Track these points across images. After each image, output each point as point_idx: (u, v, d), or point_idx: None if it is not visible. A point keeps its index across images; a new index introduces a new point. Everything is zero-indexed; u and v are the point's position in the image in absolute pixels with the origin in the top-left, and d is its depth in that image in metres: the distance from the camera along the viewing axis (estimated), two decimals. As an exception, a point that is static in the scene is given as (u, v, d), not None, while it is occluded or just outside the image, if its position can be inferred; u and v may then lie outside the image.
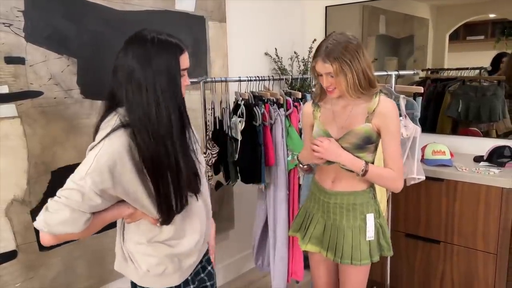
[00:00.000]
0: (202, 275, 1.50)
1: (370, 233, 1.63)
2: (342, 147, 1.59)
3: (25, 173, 1.88)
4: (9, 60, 1.80)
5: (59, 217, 1.12)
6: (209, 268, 1.55)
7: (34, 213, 1.91)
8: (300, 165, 1.77)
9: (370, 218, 1.64)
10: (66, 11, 1.95)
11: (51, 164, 1.96)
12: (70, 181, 1.14)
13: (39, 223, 1.14)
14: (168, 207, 1.24)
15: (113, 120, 1.20)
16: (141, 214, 1.29)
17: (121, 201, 1.25)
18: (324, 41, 1.54)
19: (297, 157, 1.78)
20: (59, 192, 1.15)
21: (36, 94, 1.89)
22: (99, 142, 1.16)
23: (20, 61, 1.83)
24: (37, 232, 1.90)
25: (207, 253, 1.54)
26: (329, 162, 1.65)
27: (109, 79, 1.24)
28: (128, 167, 1.17)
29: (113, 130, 1.17)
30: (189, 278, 1.43)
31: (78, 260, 2.10)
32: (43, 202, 1.92)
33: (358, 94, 1.53)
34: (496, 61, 2.64)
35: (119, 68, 1.19)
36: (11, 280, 1.87)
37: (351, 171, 1.62)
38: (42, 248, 1.96)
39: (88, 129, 2.08)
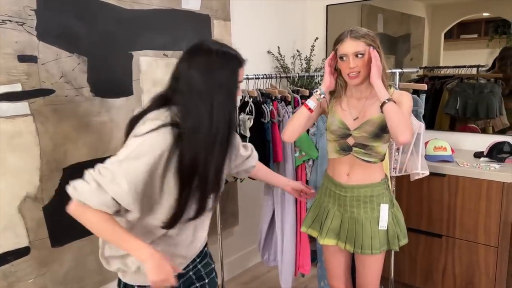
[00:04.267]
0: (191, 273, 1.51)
1: (383, 223, 1.69)
2: (358, 137, 1.66)
3: (38, 170, 1.90)
4: (22, 58, 1.82)
5: (85, 186, 1.14)
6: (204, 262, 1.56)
7: (47, 210, 1.93)
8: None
9: (384, 208, 1.69)
10: (77, 10, 1.97)
11: (62, 161, 1.98)
12: (109, 161, 1.16)
13: (69, 186, 1.17)
14: (179, 213, 1.26)
15: (164, 115, 1.22)
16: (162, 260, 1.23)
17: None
18: (344, 31, 1.61)
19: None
20: (97, 166, 1.17)
21: (48, 92, 1.91)
22: (147, 133, 1.17)
23: (32, 59, 1.85)
24: (49, 228, 1.95)
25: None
26: (344, 153, 1.70)
27: (168, 83, 1.28)
28: (163, 163, 1.19)
29: (164, 125, 1.18)
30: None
31: (89, 256, 2.12)
32: (55, 199, 1.96)
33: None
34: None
35: (181, 76, 1.22)
36: (24, 276, 1.89)
37: (365, 160, 1.67)
38: (54, 244, 1.98)
39: (99, 126, 2.10)
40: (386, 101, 1.54)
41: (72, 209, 1.17)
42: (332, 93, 1.76)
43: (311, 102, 1.69)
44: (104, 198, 1.14)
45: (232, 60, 1.23)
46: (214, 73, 1.19)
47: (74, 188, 1.15)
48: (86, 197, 1.14)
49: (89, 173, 1.16)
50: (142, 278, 1.33)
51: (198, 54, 1.21)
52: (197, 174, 1.22)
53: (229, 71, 1.21)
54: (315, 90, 1.71)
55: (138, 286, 1.38)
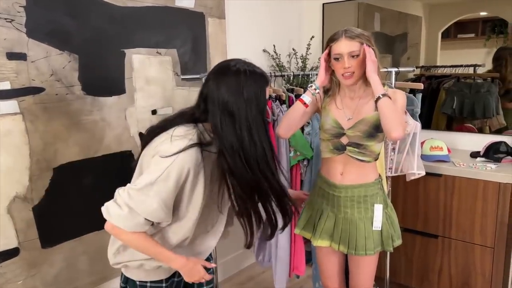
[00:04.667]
0: None
1: (377, 223, 1.67)
2: (352, 136, 1.64)
3: (27, 170, 1.87)
4: (11, 56, 1.79)
5: (118, 211, 1.20)
6: None
7: (36, 210, 1.90)
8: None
9: (378, 208, 1.67)
10: (67, 7, 1.94)
11: (53, 161, 1.95)
12: (139, 182, 1.21)
13: (103, 208, 1.22)
14: (273, 227, 1.39)
15: (191, 133, 1.25)
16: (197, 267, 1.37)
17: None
18: (338, 30, 1.59)
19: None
20: (129, 188, 1.22)
21: (38, 90, 1.88)
22: (175, 153, 1.20)
23: (21, 57, 1.82)
24: (39, 229, 1.92)
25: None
26: (338, 152, 1.68)
27: (196, 103, 1.32)
28: (190, 181, 1.24)
29: (191, 146, 1.22)
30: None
31: (80, 256, 2.09)
32: (45, 199, 1.93)
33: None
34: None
35: (212, 98, 1.25)
36: (13, 277, 1.86)
37: (359, 160, 1.65)
38: (44, 245, 1.95)
39: (90, 125, 2.07)
40: (381, 96, 1.52)
41: (108, 229, 1.24)
42: (326, 91, 1.74)
43: (306, 97, 1.67)
44: (137, 221, 1.20)
45: (259, 79, 1.27)
46: (244, 92, 1.22)
47: (108, 212, 1.21)
48: (120, 222, 1.20)
49: (120, 196, 1.21)
50: (143, 274, 1.39)
51: (227, 75, 1.25)
52: (268, 191, 1.30)
53: (257, 89, 1.25)
54: (309, 85, 1.69)
55: (140, 281, 1.40)
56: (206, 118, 1.27)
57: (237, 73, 1.24)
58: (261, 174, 1.26)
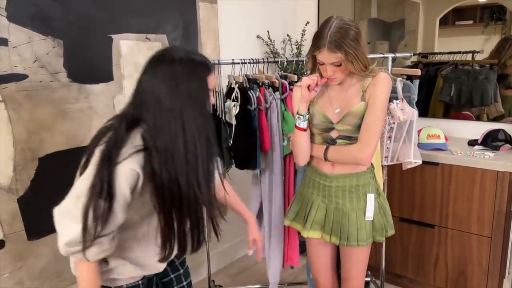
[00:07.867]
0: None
1: (370, 213, 1.63)
2: (341, 130, 1.59)
3: (11, 160, 1.80)
4: (-9, 41, 1.71)
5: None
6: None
7: (22, 201, 1.84)
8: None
9: (371, 198, 1.63)
10: (50, -11, 1.85)
11: (38, 150, 1.89)
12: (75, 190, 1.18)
13: None
14: (180, 243, 1.21)
15: (136, 140, 1.12)
16: None
17: None
18: (324, 27, 1.47)
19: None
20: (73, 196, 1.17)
21: (21, 77, 1.80)
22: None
23: (2, 42, 1.74)
24: (25, 221, 1.86)
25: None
26: (328, 145, 1.63)
27: (132, 97, 1.18)
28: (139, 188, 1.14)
29: (134, 152, 1.10)
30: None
31: (68, 249, 2.04)
32: (30, 189, 1.86)
33: (358, 75, 1.54)
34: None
35: (145, 91, 1.13)
36: (-1, 271, 1.81)
37: None
38: (30, 237, 1.90)
39: (77, 114, 2.00)
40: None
41: None
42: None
43: (302, 124, 1.62)
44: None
45: (199, 68, 1.15)
46: (181, 84, 1.10)
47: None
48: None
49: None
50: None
51: (162, 65, 1.13)
52: (186, 200, 1.14)
53: (197, 80, 1.13)
54: (297, 116, 1.63)
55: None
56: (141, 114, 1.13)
57: (172, 62, 1.11)
58: (187, 184, 1.12)
